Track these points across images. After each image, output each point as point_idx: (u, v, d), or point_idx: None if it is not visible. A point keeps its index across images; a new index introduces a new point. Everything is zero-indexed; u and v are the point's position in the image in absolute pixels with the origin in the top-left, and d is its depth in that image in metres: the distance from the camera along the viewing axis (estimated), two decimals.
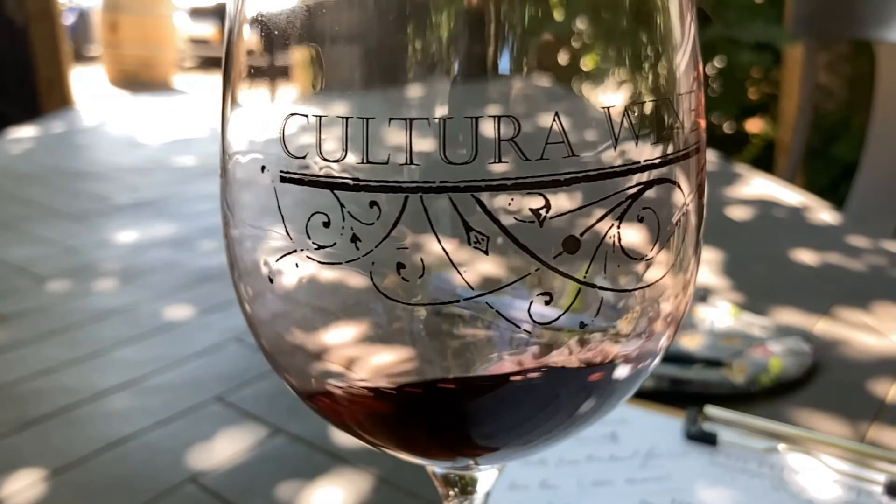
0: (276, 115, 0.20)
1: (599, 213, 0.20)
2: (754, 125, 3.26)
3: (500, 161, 0.18)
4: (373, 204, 0.19)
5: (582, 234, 0.19)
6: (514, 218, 0.19)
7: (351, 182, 0.19)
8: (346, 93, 0.20)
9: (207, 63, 7.82)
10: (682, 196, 0.22)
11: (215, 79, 7.12)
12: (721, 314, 0.68)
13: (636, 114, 0.20)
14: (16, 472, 0.54)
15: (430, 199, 0.19)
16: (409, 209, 0.19)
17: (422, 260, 0.19)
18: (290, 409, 0.61)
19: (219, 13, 6.23)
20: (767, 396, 0.58)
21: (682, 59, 0.22)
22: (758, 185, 1.21)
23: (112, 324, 0.79)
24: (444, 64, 0.19)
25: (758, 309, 0.72)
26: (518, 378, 0.21)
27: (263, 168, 0.21)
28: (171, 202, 1.27)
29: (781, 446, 0.50)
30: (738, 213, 1.08)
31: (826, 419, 0.56)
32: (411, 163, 0.19)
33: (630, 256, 0.20)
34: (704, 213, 0.24)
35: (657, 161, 0.20)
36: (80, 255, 1.01)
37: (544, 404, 0.22)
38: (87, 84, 5.97)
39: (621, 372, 0.23)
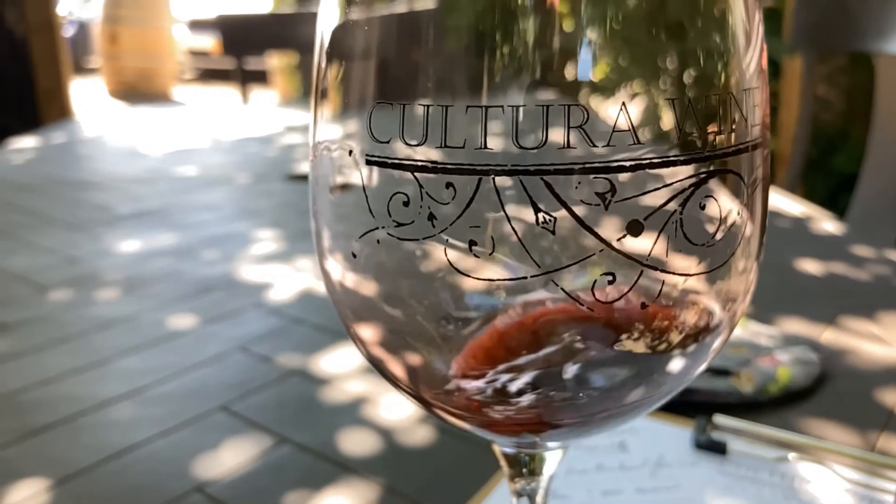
0: (364, 106, 0.23)
1: (662, 199, 0.21)
2: None
3: (568, 146, 0.20)
4: (448, 185, 0.21)
5: (646, 219, 0.21)
6: (581, 201, 0.20)
7: (430, 165, 0.21)
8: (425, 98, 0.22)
9: (207, 75, 7.84)
10: (744, 187, 0.23)
11: (215, 90, 7.14)
12: None
13: (701, 106, 0.21)
14: (18, 483, 0.53)
15: (501, 182, 0.20)
16: (482, 191, 0.20)
17: (492, 238, 0.21)
18: (296, 418, 0.60)
19: (218, 25, 6.24)
20: (776, 405, 0.58)
21: (747, 55, 0.23)
22: None
23: (115, 333, 0.78)
24: (517, 65, 0.21)
25: (764, 318, 0.72)
26: (580, 356, 0.23)
27: (350, 152, 0.23)
28: (172, 212, 1.27)
29: (792, 455, 0.50)
30: None
31: (835, 428, 0.55)
32: (485, 147, 0.20)
33: (692, 242, 0.22)
34: (767, 210, 0.25)
35: (719, 152, 0.22)
36: (81, 264, 1.00)
37: (601, 382, 0.24)
38: (87, 96, 5.97)
39: (678, 356, 0.24)
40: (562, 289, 0.21)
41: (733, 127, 0.22)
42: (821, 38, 1.55)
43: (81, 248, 1.07)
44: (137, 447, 0.57)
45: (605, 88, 0.20)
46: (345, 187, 0.23)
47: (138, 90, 6.23)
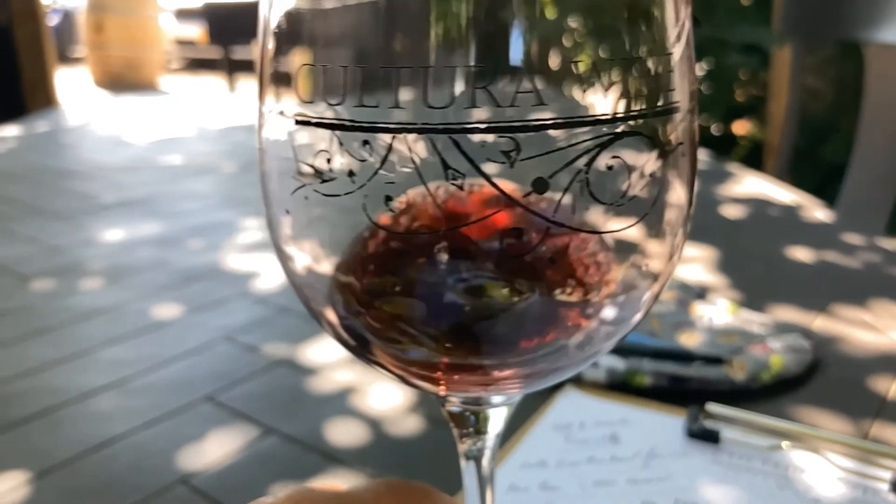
0: (293, 69, 0.24)
1: (569, 158, 0.22)
2: (742, 127, 3.27)
3: (474, 106, 0.21)
4: (365, 143, 0.22)
5: (550, 177, 0.21)
6: (488, 158, 0.21)
7: (347, 123, 0.22)
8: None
9: (194, 64, 7.78)
10: (657, 151, 0.23)
11: (202, 80, 7.08)
12: (719, 311, 0.67)
13: (610, 69, 0.22)
14: (0, 474, 0.52)
15: (413, 140, 0.21)
16: (396, 148, 0.22)
17: (406, 193, 0.22)
18: (283, 408, 0.59)
19: (205, 14, 6.20)
20: (768, 393, 0.57)
21: (665, 18, 0.23)
22: (750, 184, 1.20)
23: (98, 323, 0.77)
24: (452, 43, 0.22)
25: (755, 306, 0.71)
26: (490, 308, 0.24)
27: (282, 112, 0.24)
28: (157, 201, 1.25)
29: (785, 444, 0.50)
30: (731, 212, 1.07)
31: (828, 416, 0.55)
32: (397, 107, 0.21)
33: (599, 201, 0.22)
34: (695, 179, 0.25)
35: (625, 115, 0.22)
36: (65, 254, 0.99)
37: (512, 332, 0.25)
38: (72, 85, 5.92)
39: (592, 311, 0.25)
40: (472, 242, 0.22)
41: (645, 91, 0.23)
42: (810, 28, 1.55)
43: (64, 238, 1.05)
44: (121, 438, 0.56)
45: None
46: (317, 173, 0.24)
47: (124, 80, 6.16)
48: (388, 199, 0.22)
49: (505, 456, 0.50)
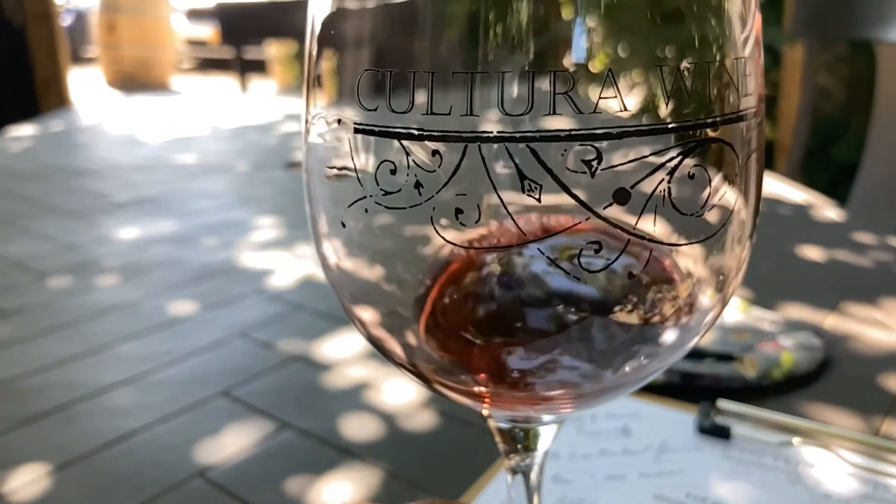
0: (351, 76, 0.22)
1: (650, 167, 0.20)
2: None
3: (554, 113, 0.20)
4: (435, 153, 0.21)
5: (632, 187, 0.20)
6: (567, 168, 0.20)
7: (416, 132, 0.21)
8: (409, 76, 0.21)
9: (206, 64, 7.82)
10: (735, 157, 0.22)
11: (214, 80, 7.12)
12: (730, 309, 0.67)
13: (689, 74, 0.21)
14: (19, 468, 0.53)
15: (487, 149, 0.20)
16: (469, 158, 0.20)
17: (478, 206, 0.21)
18: (297, 403, 0.60)
19: (217, 14, 6.23)
20: (779, 390, 0.58)
21: (739, 23, 0.22)
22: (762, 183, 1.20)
23: (114, 319, 0.78)
24: (510, 45, 0.20)
25: (767, 304, 0.71)
26: (564, 323, 0.23)
27: (340, 121, 0.23)
28: (171, 199, 1.26)
29: (796, 440, 0.50)
30: None
31: (839, 413, 0.55)
32: (471, 114, 0.20)
33: (680, 212, 0.21)
34: (762, 183, 0.24)
35: (708, 120, 0.21)
36: (80, 251, 1.00)
37: (588, 351, 0.23)
38: (85, 85, 5.95)
39: (666, 328, 0.24)
40: (547, 257, 0.21)
41: (723, 96, 0.22)
42: (821, 27, 1.55)
43: (80, 236, 1.06)
44: (137, 433, 0.57)
45: (595, 55, 0.20)
46: (340, 174, 0.23)
47: (136, 80, 6.20)
48: (459, 211, 0.21)
49: None
